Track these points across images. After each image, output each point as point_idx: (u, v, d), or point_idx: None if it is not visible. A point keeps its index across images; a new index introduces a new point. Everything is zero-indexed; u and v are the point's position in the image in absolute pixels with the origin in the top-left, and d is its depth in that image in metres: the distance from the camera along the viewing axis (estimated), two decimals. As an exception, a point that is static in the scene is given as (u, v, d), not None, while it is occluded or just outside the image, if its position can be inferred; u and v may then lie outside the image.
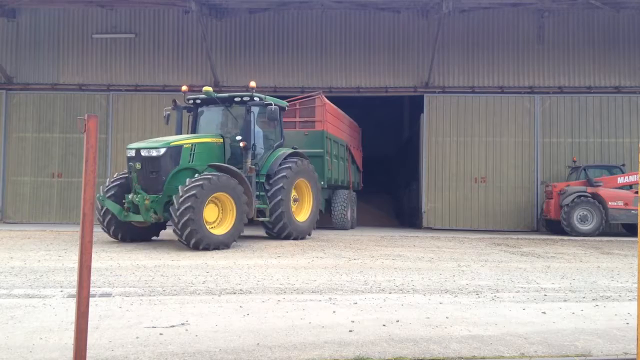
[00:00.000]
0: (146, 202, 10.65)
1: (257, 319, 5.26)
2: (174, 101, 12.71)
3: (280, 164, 12.26)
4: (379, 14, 19.20)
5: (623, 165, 17.56)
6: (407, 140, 25.23)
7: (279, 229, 12.18)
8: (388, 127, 27.39)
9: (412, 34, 19.32)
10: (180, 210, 9.92)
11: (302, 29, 19.50)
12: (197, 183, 10.14)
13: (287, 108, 13.67)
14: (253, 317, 5.33)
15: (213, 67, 18.96)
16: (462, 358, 4.24)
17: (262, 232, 12.96)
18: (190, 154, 11.17)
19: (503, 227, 18.59)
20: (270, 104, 12.04)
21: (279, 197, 11.95)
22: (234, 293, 6.49)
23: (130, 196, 10.97)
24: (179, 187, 10.27)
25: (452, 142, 19.05)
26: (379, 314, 5.54)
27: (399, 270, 8.48)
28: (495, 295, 6.65)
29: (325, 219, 16.29)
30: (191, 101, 12.65)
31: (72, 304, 5.47)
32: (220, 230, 10.70)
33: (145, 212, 10.73)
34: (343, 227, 16.51)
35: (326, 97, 16.87)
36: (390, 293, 6.65)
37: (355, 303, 6.05)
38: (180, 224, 9.95)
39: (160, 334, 4.72)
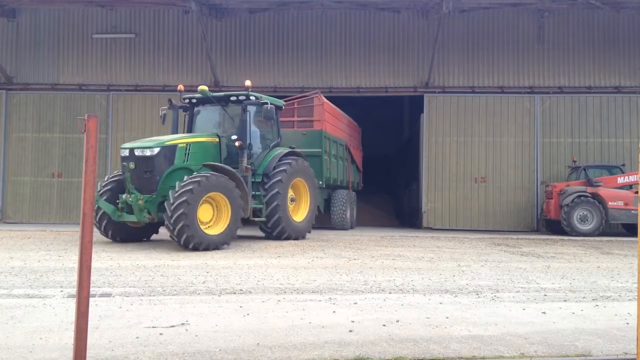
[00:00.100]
0: (140, 202, 10.57)
1: (257, 319, 5.26)
2: (170, 100, 12.64)
3: (276, 164, 12.19)
4: (379, 14, 19.20)
5: (623, 165, 17.56)
6: (407, 140, 25.23)
7: (275, 229, 12.10)
8: (388, 127, 27.38)
9: (412, 34, 19.32)
10: (174, 210, 9.85)
11: (302, 29, 19.50)
12: (191, 183, 10.06)
13: (283, 107, 13.60)
14: (253, 317, 5.33)
15: (213, 67, 18.96)
16: (462, 358, 4.24)
17: (261, 232, 12.92)
18: (185, 154, 11.10)
19: (503, 227, 18.59)
20: (266, 103, 11.97)
21: (275, 197, 11.87)
22: (234, 293, 6.49)
23: (124, 196, 10.89)
24: (172, 186, 10.21)
25: (452, 142, 19.05)
26: (379, 314, 5.54)
27: (399, 270, 8.48)
28: (495, 295, 6.65)
29: (324, 219, 16.28)
30: (187, 100, 12.58)
31: (72, 304, 5.47)
32: (215, 230, 10.60)
33: (139, 212, 10.64)
34: (342, 227, 16.47)
35: (326, 97, 16.86)
36: (390, 293, 6.65)
37: (355, 303, 6.05)
38: (174, 224, 9.88)
39: (160, 334, 4.72)
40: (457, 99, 19.13)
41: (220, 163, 11.42)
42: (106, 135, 19.14)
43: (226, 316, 5.36)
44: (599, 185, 16.36)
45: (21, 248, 10.62)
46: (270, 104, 12.08)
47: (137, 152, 10.77)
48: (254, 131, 12.30)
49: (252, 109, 12.13)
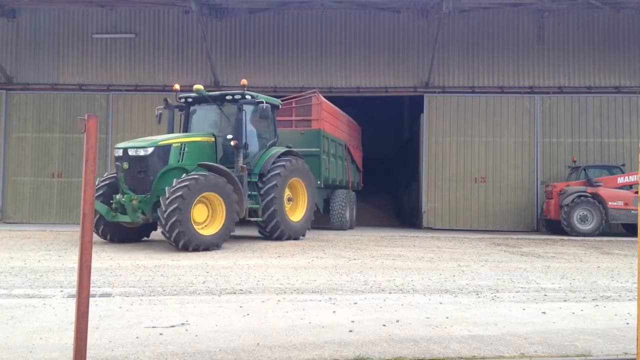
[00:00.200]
0: (133, 202, 10.48)
1: (257, 319, 5.26)
2: (166, 100, 12.56)
3: (273, 163, 12.10)
4: (379, 14, 19.21)
5: (623, 165, 17.56)
6: (407, 140, 25.23)
7: (271, 229, 12.02)
8: (388, 127, 27.38)
9: (412, 34, 19.32)
10: (167, 210, 9.76)
11: (302, 29, 19.50)
12: (185, 183, 9.98)
13: (280, 106, 13.47)
14: (253, 317, 5.33)
15: (213, 67, 18.96)
16: (462, 358, 4.24)
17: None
18: (180, 153, 11.01)
19: (503, 227, 18.59)
20: (262, 102, 11.89)
21: (272, 196, 11.78)
22: (234, 293, 6.49)
23: (117, 196, 10.82)
24: (166, 187, 10.13)
25: (452, 142, 19.05)
26: (379, 314, 5.54)
27: (399, 270, 8.48)
28: (495, 295, 6.65)
29: (324, 219, 16.26)
30: (183, 100, 12.52)
31: (72, 304, 5.47)
32: (209, 230, 10.50)
33: (132, 212, 10.55)
34: (341, 227, 16.41)
35: (326, 97, 16.84)
36: (390, 293, 6.65)
37: (355, 303, 6.05)
38: (168, 224, 9.80)
39: (160, 334, 4.72)
40: (457, 99, 19.13)
41: (216, 163, 11.33)
42: (106, 135, 19.15)
43: (226, 316, 5.36)
44: (599, 185, 16.37)
45: (21, 248, 10.62)
46: (266, 102, 11.97)
47: (131, 152, 10.70)
48: (250, 130, 12.19)
49: (248, 108, 12.03)
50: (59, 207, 19.26)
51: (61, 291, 6.47)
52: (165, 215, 9.81)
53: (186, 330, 4.85)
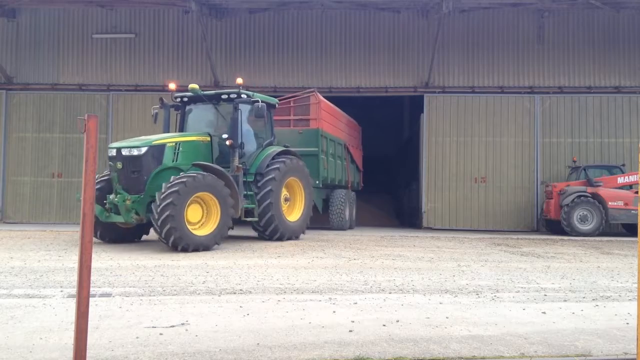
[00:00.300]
0: (127, 202, 10.39)
1: (257, 319, 5.26)
2: (161, 99, 12.48)
3: (269, 163, 12.00)
4: (379, 14, 19.21)
5: (623, 165, 17.57)
6: (407, 140, 25.24)
7: (267, 229, 11.95)
8: (388, 127, 27.38)
9: (412, 34, 19.32)
10: (160, 211, 9.70)
11: (302, 29, 19.50)
12: (178, 182, 9.90)
13: (277, 105, 13.40)
14: (253, 317, 5.33)
15: (213, 67, 18.96)
16: (462, 358, 4.24)
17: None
18: (175, 153, 10.94)
19: (503, 227, 18.59)
20: (257, 101, 11.81)
21: (268, 196, 11.71)
22: (234, 293, 6.49)
23: (111, 196, 10.77)
24: (161, 185, 10.07)
25: (452, 142, 19.06)
26: (379, 314, 5.54)
27: (399, 270, 8.48)
28: (495, 295, 6.65)
29: (323, 219, 16.24)
30: (178, 99, 12.45)
31: (72, 304, 5.47)
32: (204, 230, 10.41)
33: (126, 212, 10.46)
34: (341, 227, 16.36)
35: (326, 97, 16.82)
36: (390, 293, 6.65)
37: (355, 303, 6.05)
38: (161, 225, 9.74)
39: (160, 334, 4.72)
40: (457, 99, 19.13)
41: (212, 162, 11.25)
42: (106, 135, 19.12)
43: (226, 316, 5.36)
44: (599, 185, 16.37)
45: (21, 248, 10.62)
46: (263, 101, 11.89)
47: (125, 152, 10.63)
48: (246, 130, 12.10)
49: (244, 107, 11.93)
50: (59, 207, 19.27)
51: (61, 291, 6.47)
52: (158, 216, 9.73)
53: (186, 330, 4.85)
